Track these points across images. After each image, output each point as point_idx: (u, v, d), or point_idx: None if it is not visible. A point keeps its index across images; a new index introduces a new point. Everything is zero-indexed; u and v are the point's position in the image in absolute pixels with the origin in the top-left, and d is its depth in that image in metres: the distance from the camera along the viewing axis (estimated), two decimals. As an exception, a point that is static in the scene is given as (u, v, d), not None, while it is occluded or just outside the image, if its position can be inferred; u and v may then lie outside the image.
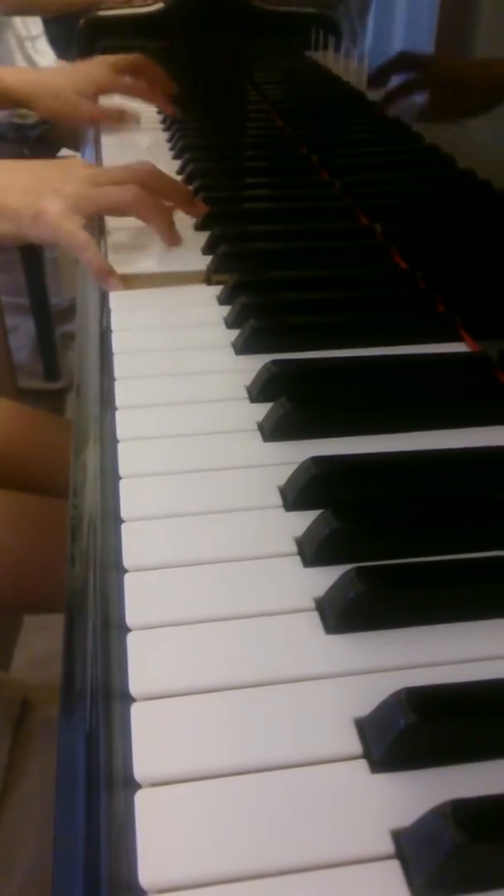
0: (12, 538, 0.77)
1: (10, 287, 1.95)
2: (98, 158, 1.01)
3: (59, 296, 2.10)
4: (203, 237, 0.73)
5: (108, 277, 0.66)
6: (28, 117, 1.69)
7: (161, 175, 0.72)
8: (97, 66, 1.15)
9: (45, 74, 1.20)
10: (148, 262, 0.70)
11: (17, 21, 2.02)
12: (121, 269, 0.67)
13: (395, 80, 0.90)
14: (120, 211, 0.70)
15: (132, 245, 0.73)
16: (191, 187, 0.79)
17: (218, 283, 0.66)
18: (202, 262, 0.70)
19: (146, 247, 0.72)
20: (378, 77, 0.93)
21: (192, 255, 0.71)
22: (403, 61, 0.88)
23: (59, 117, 1.13)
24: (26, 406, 1.00)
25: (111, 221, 0.75)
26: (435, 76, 0.80)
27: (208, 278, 0.68)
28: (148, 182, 0.70)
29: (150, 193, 0.69)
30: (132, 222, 0.72)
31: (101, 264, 0.66)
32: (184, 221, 0.79)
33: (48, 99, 1.08)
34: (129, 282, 0.66)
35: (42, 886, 0.72)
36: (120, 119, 1.08)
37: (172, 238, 0.72)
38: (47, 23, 2.10)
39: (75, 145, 1.83)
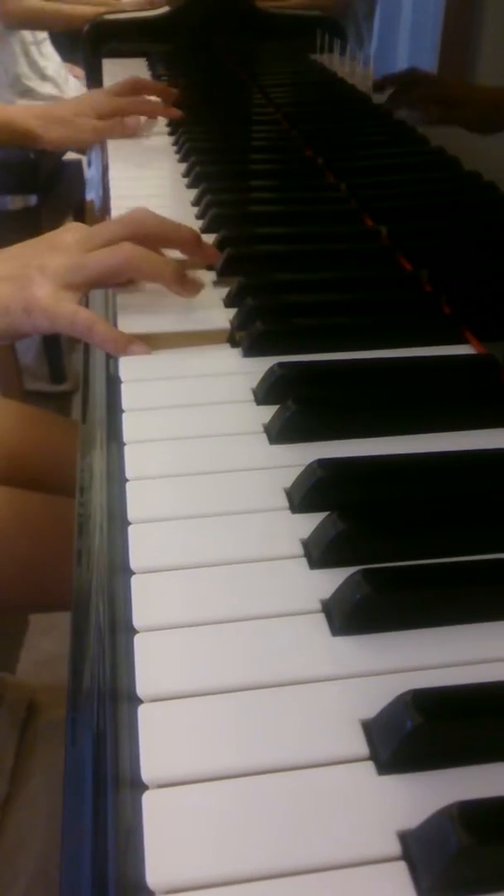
0: (20, 536, 0.77)
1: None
2: (104, 163, 1.02)
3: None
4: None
5: (127, 348, 0.58)
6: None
7: (159, 220, 0.63)
8: (95, 95, 1.17)
9: (45, 108, 1.22)
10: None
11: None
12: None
13: (401, 93, 0.91)
14: (116, 275, 0.62)
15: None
16: (198, 231, 0.67)
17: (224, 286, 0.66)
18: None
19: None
20: (383, 87, 0.93)
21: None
22: (410, 77, 0.88)
23: (65, 142, 1.14)
24: (33, 407, 1.01)
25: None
26: (440, 93, 0.80)
27: (214, 280, 0.68)
28: (145, 231, 0.62)
29: (149, 244, 0.61)
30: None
31: (115, 338, 0.58)
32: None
33: (52, 127, 1.10)
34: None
35: (48, 888, 0.71)
36: (123, 129, 1.09)
37: (185, 289, 0.62)
38: None
39: (81, 149, 1.84)
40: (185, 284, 0.62)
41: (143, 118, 1.11)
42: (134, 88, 1.14)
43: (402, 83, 0.91)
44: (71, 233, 0.63)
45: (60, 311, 0.57)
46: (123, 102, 1.11)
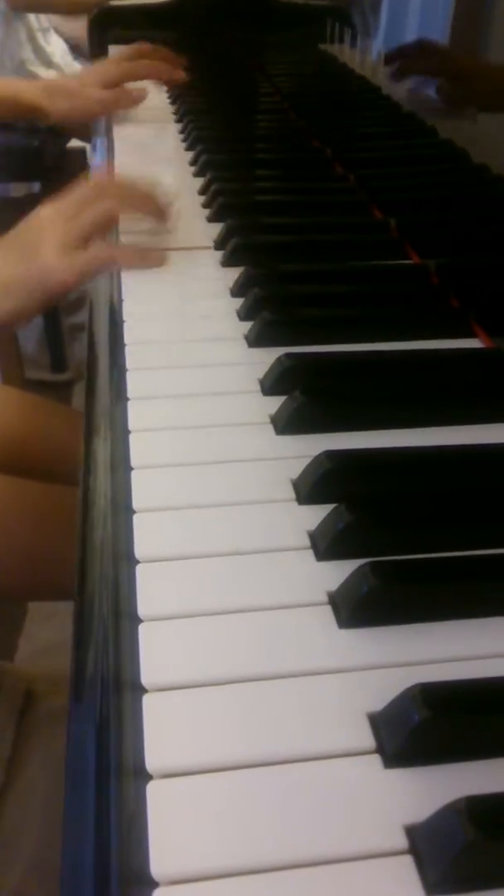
0: (21, 524, 0.77)
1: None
2: (110, 150, 1.01)
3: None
4: (216, 229, 0.73)
5: (148, 258, 0.65)
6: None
7: (123, 182, 0.72)
8: (100, 64, 1.17)
9: (52, 80, 1.23)
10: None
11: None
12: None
13: (410, 63, 0.90)
14: (109, 222, 0.68)
15: (141, 245, 0.71)
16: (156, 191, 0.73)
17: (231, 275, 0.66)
18: (215, 255, 0.69)
19: (156, 246, 0.71)
20: (394, 60, 0.93)
21: (205, 248, 0.71)
22: (419, 47, 0.88)
23: (72, 114, 1.13)
24: (34, 395, 1.00)
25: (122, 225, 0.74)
26: (451, 67, 0.80)
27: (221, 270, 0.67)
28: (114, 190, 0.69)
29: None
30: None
31: (133, 255, 0.65)
32: (195, 214, 0.78)
33: (57, 99, 1.09)
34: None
35: (44, 877, 0.71)
36: (129, 99, 1.08)
37: (166, 215, 0.71)
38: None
39: (87, 136, 1.83)
40: (162, 212, 0.70)
41: (147, 93, 1.10)
42: (139, 53, 1.14)
43: (412, 54, 0.90)
44: (48, 208, 0.67)
45: (77, 261, 0.63)
46: (129, 67, 1.11)
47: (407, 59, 0.91)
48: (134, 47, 1.15)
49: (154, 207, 0.70)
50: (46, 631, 1.08)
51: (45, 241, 0.63)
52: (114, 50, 1.44)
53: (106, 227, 0.69)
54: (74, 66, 2.19)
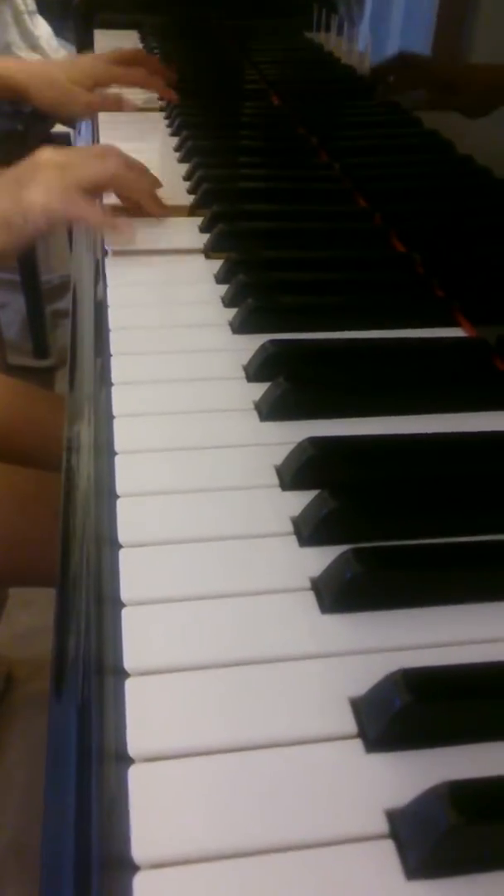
0: (4, 509, 0.77)
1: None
2: (94, 135, 1.00)
3: (49, 273, 2.09)
4: (200, 215, 0.73)
5: (118, 230, 0.66)
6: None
7: (129, 159, 0.71)
8: (93, 60, 1.14)
9: (42, 65, 1.20)
10: (145, 241, 0.69)
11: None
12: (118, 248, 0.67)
13: (395, 80, 0.90)
14: (102, 185, 0.70)
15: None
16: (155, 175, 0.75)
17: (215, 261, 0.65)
18: (199, 241, 0.69)
19: (143, 227, 0.71)
20: (380, 78, 0.93)
21: (190, 233, 0.71)
22: (403, 61, 0.88)
23: (56, 107, 1.11)
24: (17, 380, 0.99)
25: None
26: (434, 76, 0.80)
27: (206, 256, 0.67)
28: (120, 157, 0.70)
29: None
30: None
31: (106, 222, 0.66)
32: (180, 199, 0.78)
33: (45, 89, 1.07)
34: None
35: (22, 859, 0.71)
36: (118, 106, 1.07)
37: (158, 207, 0.72)
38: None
39: (71, 123, 1.81)
40: (157, 200, 0.72)
41: (139, 105, 1.09)
42: (135, 59, 1.12)
43: (395, 69, 0.90)
44: (50, 151, 0.68)
45: (54, 204, 0.64)
46: (121, 71, 1.09)
47: (392, 76, 0.91)
48: (131, 51, 1.13)
49: (152, 194, 0.71)
50: (27, 616, 1.07)
51: (37, 181, 0.64)
52: (99, 35, 1.43)
53: (101, 188, 0.70)
54: (60, 50, 2.17)
